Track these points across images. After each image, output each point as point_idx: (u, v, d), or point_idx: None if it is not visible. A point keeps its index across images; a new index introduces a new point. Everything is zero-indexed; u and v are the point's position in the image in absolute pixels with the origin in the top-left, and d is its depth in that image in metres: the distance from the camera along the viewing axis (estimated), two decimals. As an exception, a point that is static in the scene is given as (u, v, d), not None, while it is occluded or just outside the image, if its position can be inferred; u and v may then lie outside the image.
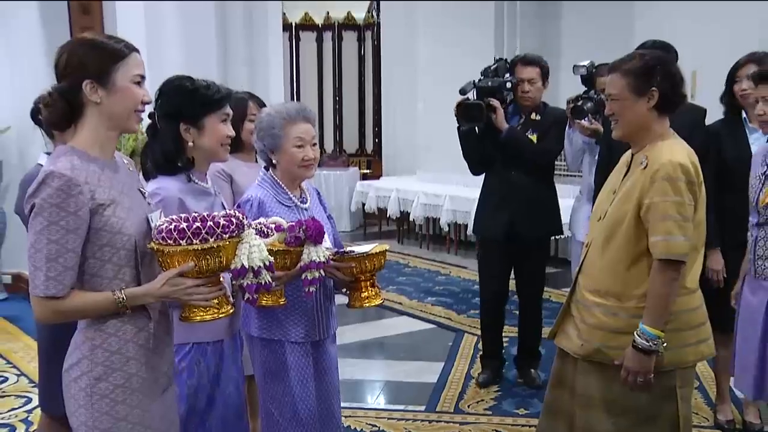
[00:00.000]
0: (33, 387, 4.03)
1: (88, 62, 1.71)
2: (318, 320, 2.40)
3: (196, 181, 2.15)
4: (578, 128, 3.57)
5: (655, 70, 2.11)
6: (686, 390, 2.16)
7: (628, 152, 2.25)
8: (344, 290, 2.38)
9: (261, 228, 2.06)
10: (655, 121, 2.14)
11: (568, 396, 2.25)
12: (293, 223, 2.09)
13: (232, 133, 2.20)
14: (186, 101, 2.09)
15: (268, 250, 1.98)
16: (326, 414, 2.44)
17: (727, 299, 3.10)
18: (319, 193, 2.60)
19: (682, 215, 2.01)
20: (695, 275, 2.14)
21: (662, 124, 2.16)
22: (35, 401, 3.83)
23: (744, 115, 3.30)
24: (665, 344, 2.05)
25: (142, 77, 1.78)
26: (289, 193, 2.41)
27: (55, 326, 1.88)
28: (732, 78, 3.28)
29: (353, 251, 2.32)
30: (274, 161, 2.39)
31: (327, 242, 2.39)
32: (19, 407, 3.82)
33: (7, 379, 4.21)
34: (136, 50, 1.79)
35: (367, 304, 2.32)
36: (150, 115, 2.13)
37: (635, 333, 2.06)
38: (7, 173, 5.77)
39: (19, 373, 4.28)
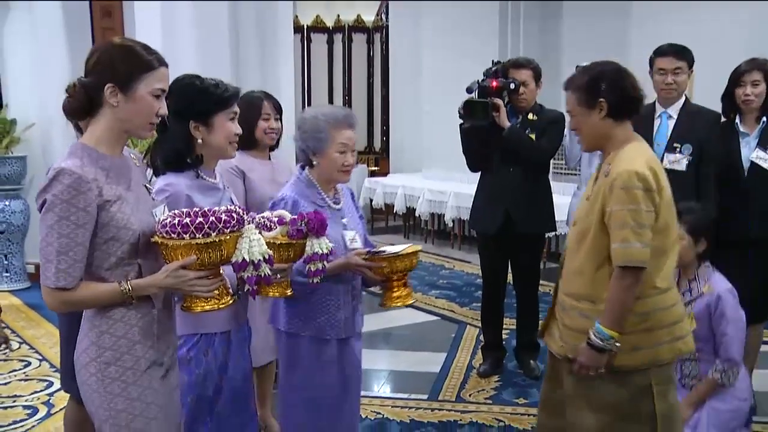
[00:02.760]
0: (54, 371, 4.04)
1: (116, 66, 1.73)
2: (345, 318, 2.38)
3: (205, 177, 2.13)
4: None
5: (600, 82, 2.11)
6: (664, 387, 2.13)
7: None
8: (378, 288, 2.36)
9: (264, 221, 2.05)
10: (614, 129, 2.13)
11: (560, 391, 2.25)
12: (296, 217, 2.07)
13: (240, 130, 2.18)
14: (196, 100, 2.08)
15: (271, 243, 1.98)
16: (346, 409, 2.43)
17: None
18: (352, 194, 2.57)
19: (638, 222, 1.99)
20: (666, 275, 2.12)
21: (623, 129, 2.15)
22: (56, 385, 3.85)
23: (737, 120, 3.30)
24: (618, 344, 2.03)
25: (163, 91, 1.78)
26: (323, 194, 2.39)
27: (74, 313, 1.88)
28: (736, 82, 3.26)
29: (385, 251, 2.29)
30: (314, 162, 2.36)
31: (357, 241, 2.38)
32: (41, 390, 3.83)
33: (30, 363, 4.22)
34: (166, 65, 1.79)
35: (399, 304, 2.30)
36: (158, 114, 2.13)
37: (591, 331, 2.05)
38: (30, 168, 5.79)
39: (41, 358, 4.30)
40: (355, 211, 2.53)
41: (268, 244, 1.96)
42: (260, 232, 2.00)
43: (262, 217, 2.07)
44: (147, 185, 1.89)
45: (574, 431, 2.18)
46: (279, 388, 2.44)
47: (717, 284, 2.57)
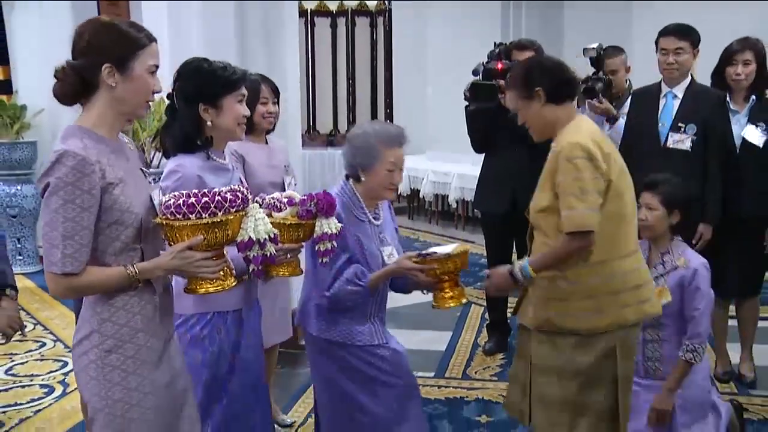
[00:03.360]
0: (68, 352, 4.07)
1: (110, 46, 1.67)
2: (375, 326, 2.40)
3: (215, 158, 2.12)
4: (590, 107, 3.56)
5: (532, 72, 2.19)
6: (627, 350, 2.17)
7: None
8: (424, 291, 2.36)
9: (274, 202, 2.04)
10: (557, 113, 2.17)
11: (523, 365, 2.28)
12: (305, 197, 2.06)
13: (248, 112, 2.17)
14: (204, 83, 2.07)
15: (281, 223, 1.97)
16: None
17: (723, 269, 3.11)
18: (390, 207, 2.56)
19: (581, 189, 2.04)
20: (627, 239, 2.15)
21: (565, 111, 2.19)
22: (71, 365, 3.87)
23: (728, 98, 3.29)
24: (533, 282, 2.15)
25: (156, 67, 1.74)
26: (365, 208, 2.38)
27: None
28: (728, 60, 3.23)
29: (435, 252, 2.28)
30: (361, 178, 2.34)
31: (394, 256, 2.37)
32: (56, 370, 3.87)
33: (45, 344, 4.25)
34: (155, 40, 1.75)
35: (452, 304, 2.30)
36: (168, 96, 2.10)
37: (517, 261, 2.16)
38: (41, 153, 5.78)
39: (55, 338, 4.33)
40: (392, 225, 2.52)
41: (278, 224, 1.95)
42: (270, 213, 2.00)
43: (272, 198, 2.06)
44: (143, 169, 1.85)
45: (541, 402, 2.21)
46: (318, 395, 2.48)
47: (692, 258, 2.55)
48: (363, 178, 2.34)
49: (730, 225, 3.25)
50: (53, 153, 1.63)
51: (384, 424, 2.35)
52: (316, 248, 2.10)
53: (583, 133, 2.11)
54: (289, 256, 2.03)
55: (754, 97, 3.25)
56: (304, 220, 2.04)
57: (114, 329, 1.70)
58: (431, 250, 2.33)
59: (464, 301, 2.32)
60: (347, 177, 2.41)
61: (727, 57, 3.24)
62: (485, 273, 2.28)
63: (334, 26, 9.70)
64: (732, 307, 3.56)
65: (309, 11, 9.45)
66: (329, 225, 2.07)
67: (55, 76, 1.69)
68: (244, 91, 2.13)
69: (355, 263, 2.31)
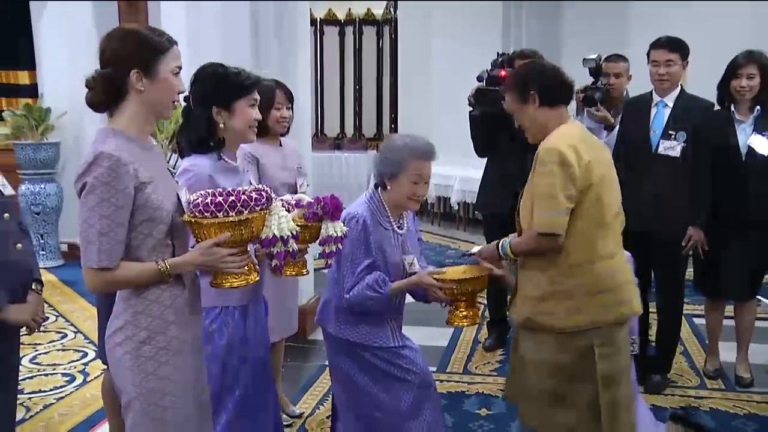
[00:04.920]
0: (88, 343, 4.09)
1: (135, 53, 1.69)
2: (393, 329, 2.42)
3: (226, 159, 2.13)
4: (588, 115, 3.58)
5: (527, 76, 2.19)
6: (607, 349, 2.13)
7: None
8: (442, 304, 2.37)
9: (284, 204, 2.04)
10: (550, 116, 2.17)
11: (516, 358, 2.30)
12: (312, 200, 2.06)
13: (260, 116, 2.18)
14: (219, 87, 2.08)
15: None
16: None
17: (721, 272, 3.10)
18: (415, 218, 2.56)
19: (551, 194, 2.04)
20: (607, 244, 2.13)
21: (557, 115, 2.18)
22: (91, 355, 3.89)
23: (732, 108, 3.29)
24: (512, 263, 2.23)
25: (179, 68, 1.76)
26: (390, 216, 2.38)
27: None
28: (733, 73, 3.24)
29: (468, 256, 2.34)
30: (387, 186, 2.35)
31: (416, 265, 2.37)
32: (77, 360, 3.88)
33: (66, 335, 4.27)
34: (176, 43, 1.77)
35: (465, 324, 2.32)
36: (185, 99, 2.11)
37: (504, 241, 2.22)
38: (63, 153, 5.81)
39: (76, 330, 4.35)
40: (415, 234, 2.53)
41: None
42: None
43: (281, 200, 2.06)
44: (170, 168, 1.87)
45: (526, 394, 2.23)
46: (338, 396, 2.49)
47: None
48: (389, 187, 2.34)
49: (733, 229, 3.25)
50: (89, 154, 1.65)
51: (399, 420, 2.34)
52: (322, 250, 2.09)
53: (563, 138, 2.10)
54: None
55: (758, 108, 3.25)
56: (311, 222, 2.04)
57: (147, 321, 1.72)
58: (446, 268, 2.36)
59: (478, 322, 2.32)
60: (376, 186, 2.41)
61: (732, 70, 3.24)
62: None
63: (342, 34, 9.71)
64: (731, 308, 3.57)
65: (318, 20, 9.45)
66: (335, 228, 2.06)
67: (86, 85, 1.71)
68: (256, 95, 2.14)
69: (377, 269, 2.31)
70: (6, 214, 2.06)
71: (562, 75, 2.22)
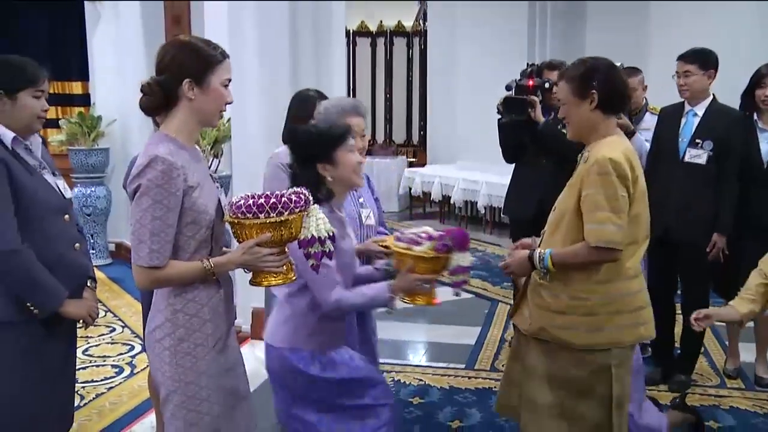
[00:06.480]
0: (135, 337, 4.18)
1: (189, 63, 1.72)
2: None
3: (336, 210, 2.11)
4: None
5: (594, 74, 2.03)
6: (622, 370, 2.04)
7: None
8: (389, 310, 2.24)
9: (413, 237, 2.05)
10: (601, 121, 2.04)
11: (519, 368, 2.18)
12: (442, 233, 2.05)
13: (364, 159, 2.15)
14: (317, 145, 2.05)
15: (420, 256, 2.00)
16: None
17: (732, 274, 3.06)
18: (368, 179, 2.58)
19: (612, 206, 1.92)
20: (635, 263, 2.03)
21: (607, 123, 2.05)
22: (137, 348, 3.98)
23: (756, 116, 3.24)
24: (548, 276, 2.03)
25: (229, 80, 1.78)
26: None
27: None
28: (757, 83, 3.20)
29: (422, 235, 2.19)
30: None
31: (371, 219, 2.36)
32: (125, 353, 3.97)
33: (115, 329, 4.37)
34: (228, 56, 1.79)
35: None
36: (290, 166, 2.09)
37: (538, 251, 2.03)
38: (112, 158, 5.95)
39: (123, 325, 4.45)
40: (371, 194, 2.55)
41: (417, 257, 2.00)
42: (410, 247, 2.02)
43: (412, 233, 2.07)
44: (212, 174, 1.89)
45: (530, 406, 2.10)
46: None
47: None
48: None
49: (753, 234, 3.20)
50: (145, 156, 1.67)
51: None
52: (453, 279, 2.07)
53: (619, 150, 1.98)
54: (428, 286, 2.03)
55: None
56: (441, 253, 2.03)
57: (185, 319, 1.74)
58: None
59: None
60: None
61: (756, 80, 3.21)
62: (509, 249, 2.15)
63: (373, 45, 9.76)
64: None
65: (351, 32, 9.52)
66: (463, 258, 2.06)
67: (141, 90, 1.75)
68: (353, 140, 2.10)
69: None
70: (66, 216, 2.12)
71: (627, 84, 2.10)
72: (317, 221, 1.80)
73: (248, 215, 1.69)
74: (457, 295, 2.09)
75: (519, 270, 2.11)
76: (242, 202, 1.72)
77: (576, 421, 2.05)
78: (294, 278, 1.84)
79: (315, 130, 2.08)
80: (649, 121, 3.62)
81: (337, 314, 2.04)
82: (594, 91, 2.02)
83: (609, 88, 2.03)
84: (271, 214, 1.69)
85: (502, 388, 2.30)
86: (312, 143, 2.06)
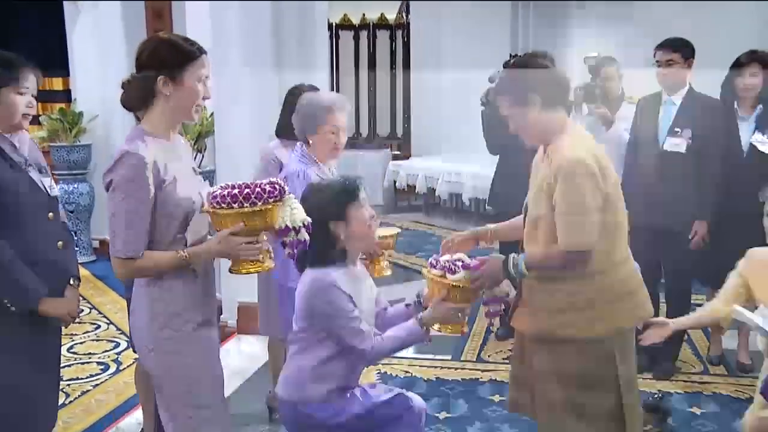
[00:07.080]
0: (120, 333, 4.15)
1: (165, 59, 1.74)
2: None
3: (352, 266, 2.09)
4: (589, 111, 3.64)
5: (526, 77, 1.98)
6: (626, 351, 2.04)
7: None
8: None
9: (449, 265, 2.03)
10: (551, 118, 1.98)
11: (524, 369, 2.16)
12: (477, 262, 2.03)
13: (376, 224, 2.11)
14: (331, 203, 2.03)
15: (456, 286, 1.99)
16: None
17: (720, 263, 3.09)
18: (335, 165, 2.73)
19: (582, 209, 1.88)
20: (622, 248, 2.03)
21: (558, 117, 1.99)
22: (123, 345, 3.95)
23: (735, 105, 3.27)
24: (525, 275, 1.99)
25: (207, 76, 1.80)
26: (323, 167, 2.55)
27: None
28: (736, 71, 3.23)
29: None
30: (310, 142, 2.55)
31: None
32: (111, 350, 3.94)
33: (99, 326, 4.34)
34: (205, 52, 1.81)
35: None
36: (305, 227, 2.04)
37: (512, 256, 1.98)
38: (95, 155, 5.87)
39: (108, 322, 4.41)
40: None
41: (453, 286, 1.99)
42: (444, 274, 2.01)
43: (447, 261, 2.05)
44: (194, 167, 1.91)
45: (544, 404, 2.09)
46: None
47: None
48: (311, 142, 2.55)
49: (733, 221, 3.23)
50: (117, 152, 1.71)
51: None
52: (486, 310, 2.09)
53: (582, 147, 1.94)
54: (461, 315, 2.04)
55: (760, 105, 3.23)
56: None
57: (162, 307, 1.78)
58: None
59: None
60: (302, 144, 2.60)
61: (736, 68, 3.23)
62: (479, 260, 2.05)
63: (356, 38, 9.72)
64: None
65: (334, 25, 9.47)
66: (499, 289, 2.07)
67: (121, 87, 1.78)
68: (364, 195, 2.07)
69: None
70: (51, 213, 2.10)
71: (559, 74, 2.03)
72: (292, 211, 1.81)
73: (223, 205, 1.72)
74: (490, 324, 2.09)
75: (491, 281, 2.06)
76: (218, 191, 1.75)
77: (591, 412, 2.03)
78: (271, 266, 1.84)
79: (328, 190, 2.06)
80: (627, 111, 3.66)
81: (376, 361, 2.03)
82: (533, 93, 1.96)
83: (547, 85, 1.98)
84: (245, 205, 1.71)
85: (512, 389, 2.28)
86: (326, 202, 2.02)
